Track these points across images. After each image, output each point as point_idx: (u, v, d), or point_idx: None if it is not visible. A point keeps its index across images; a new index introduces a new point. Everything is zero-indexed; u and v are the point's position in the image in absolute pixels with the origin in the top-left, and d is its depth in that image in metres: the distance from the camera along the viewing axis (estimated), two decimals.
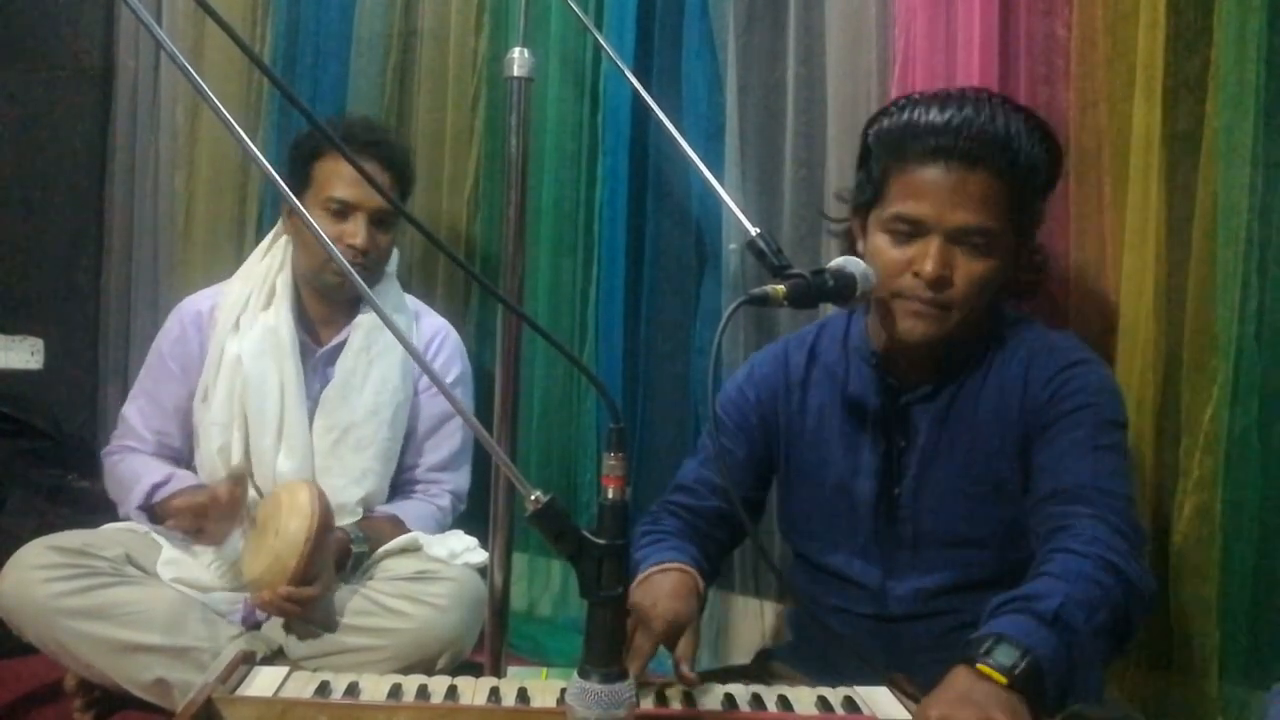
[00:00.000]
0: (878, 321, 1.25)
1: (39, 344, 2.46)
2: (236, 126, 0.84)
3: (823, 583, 1.31)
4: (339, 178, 1.70)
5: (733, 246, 1.83)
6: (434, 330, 1.89)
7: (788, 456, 1.33)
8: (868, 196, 1.22)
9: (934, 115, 1.15)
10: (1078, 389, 1.16)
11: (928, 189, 1.14)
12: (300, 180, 1.73)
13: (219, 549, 1.64)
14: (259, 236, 2.11)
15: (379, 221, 1.73)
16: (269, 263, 1.80)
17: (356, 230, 1.69)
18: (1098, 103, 1.46)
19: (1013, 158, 1.14)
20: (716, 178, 1.38)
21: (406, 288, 1.99)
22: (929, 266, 1.14)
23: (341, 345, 1.78)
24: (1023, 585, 1.00)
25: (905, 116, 1.18)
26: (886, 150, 1.19)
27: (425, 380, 1.82)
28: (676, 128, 1.39)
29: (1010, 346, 1.22)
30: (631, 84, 1.52)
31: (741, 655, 1.83)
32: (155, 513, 1.74)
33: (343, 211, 1.70)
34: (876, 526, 1.26)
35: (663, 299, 1.95)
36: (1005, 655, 0.89)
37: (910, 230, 1.16)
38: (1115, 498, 1.09)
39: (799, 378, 1.33)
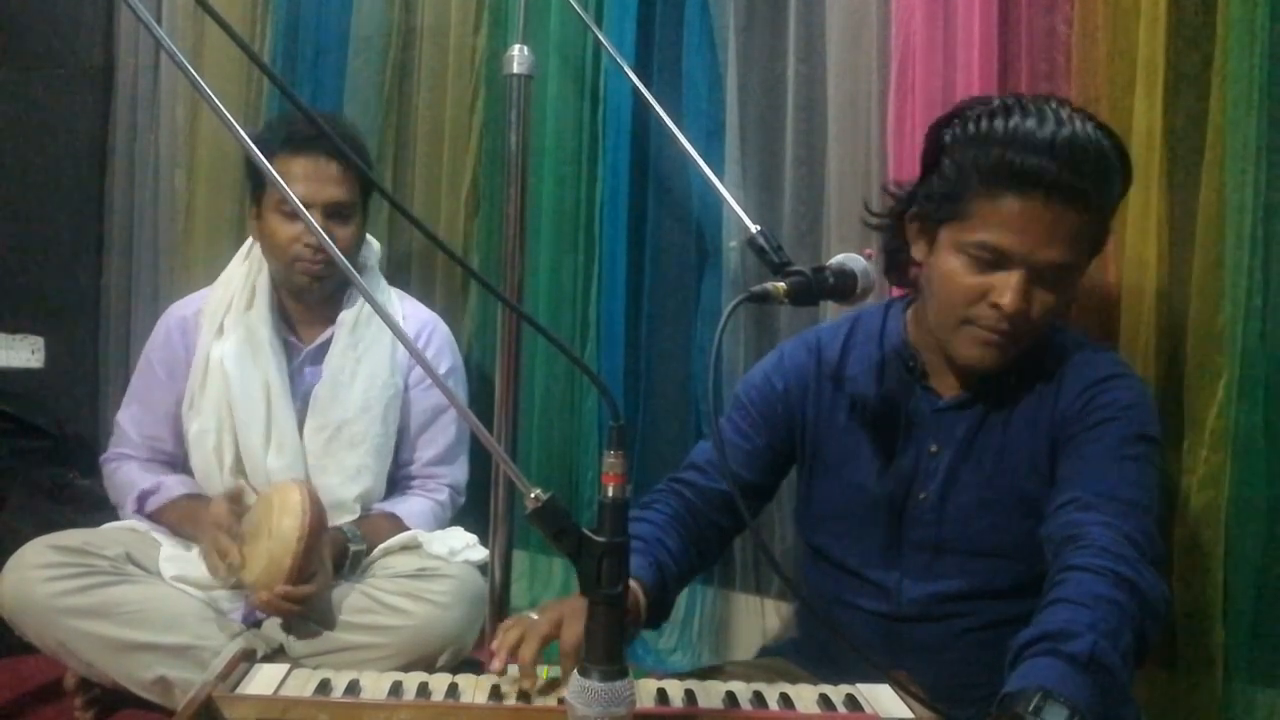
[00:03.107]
0: (919, 328, 1.23)
1: (39, 343, 2.46)
2: (236, 126, 0.84)
3: (835, 578, 1.30)
4: (289, 178, 1.67)
5: (733, 244, 1.83)
6: (421, 323, 1.87)
7: (813, 450, 1.31)
8: (944, 212, 1.14)
9: (1036, 141, 1.06)
10: (1107, 402, 1.14)
11: (1021, 223, 1.08)
12: (256, 184, 1.73)
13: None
14: None
15: (334, 215, 1.71)
16: (249, 265, 1.80)
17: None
18: (1099, 99, 1.46)
19: (1107, 192, 1.10)
20: (717, 175, 1.38)
21: (405, 286, 1.99)
22: (1010, 300, 1.09)
23: (326, 344, 1.77)
24: (1042, 612, 0.97)
25: (998, 130, 1.09)
26: (975, 167, 1.10)
27: (415, 374, 1.81)
28: (677, 125, 1.39)
29: (1048, 359, 1.19)
30: (632, 81, 1.52)
31: (742, 652, 1.83)
32: (150, 519, 1.75)
33: (296, 211, 1.68)
34: (898, 529, 1.24)
35: (663, 296, 1.95)
36: (1055, 716, 0.85)
37: (993, 259, 1.10)
38: (1131, 506, 1.06)
39: (831, 371, 1.29)
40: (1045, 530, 1.11)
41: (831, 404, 1.29)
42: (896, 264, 1.27)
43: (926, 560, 1.23)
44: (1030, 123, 1.08)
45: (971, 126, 1.12)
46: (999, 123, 1.09)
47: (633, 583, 1.08)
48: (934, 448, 1.23)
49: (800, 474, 1.35)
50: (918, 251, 1.20)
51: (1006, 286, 1.10)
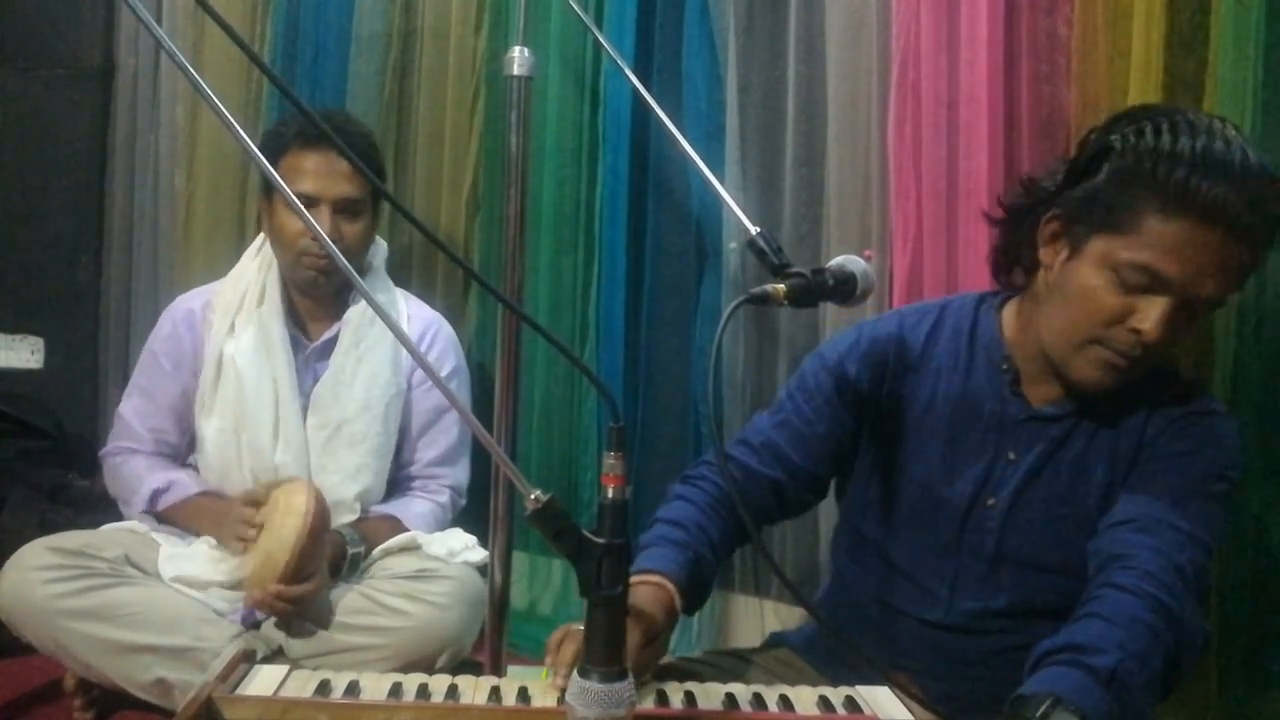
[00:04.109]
0: (1022, 332, 1.18)
1: (39, 343, 2.46)
2: (236, 126, 0.84)
3: (880, 574, 1.26)
4: (301, 172, 1.69)
5: (733, 245, 1.83)
6: (425, 324, 1.88)
7: (882, 439, 1.25)
8: (1099, 221, 1.06)
9: (1225, 169, 0.99)
10: (1196, 435, 1.12)
11: (1190, 251, 1.00)
12: (268, 180, 1.74)
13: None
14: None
15: (344, 212, 1.72)
16: (260, 262, 1.80)
17: (320, 223, 1.68)
18: (1099, 101, 1.46)
19: (1273, 232, 1.03)
20: (717, 176, 1.38)
21: (406, 286, 1.99)
22: (1154, 329, 1.03)
23: (332, 340, 1.78)
24: (1073, 624, 0.96)
25: (1184, 147, 1.00)
26: (1153, 184, 1.01)
27: (418, 375, 1.82)
28: (677, 126, 1.39)
29: (1141, 384, 1.13)
30: (632, 82, 1.52)
31: None
32: (160, 517, 1.76)
33: (306, 206, 1.68)
34: (959, 534, 1.20)
35: (663, 298, 1.95)
36: None
37: (1145, 283, 1.03)
38: (1188, 538, 1.04)
39: (913, 361, 1.23)
40: (1094, 544, 1.08)
41: (910, 395, 1.23)
42: (1011, 262, 1.20)
43: (983, 570, 1.19)
44: (1218, 147, 1.00)
45: (1151, 137, 1.03)
46: (1185, 140, 1.01)
47: (667, 581, 1.07)
48: (1012, 455, 1.18)
49: (862, 459, 1.29)
50: (1049, 255, 1.13)
51: (1152, 312, 1.03)
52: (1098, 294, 1.06)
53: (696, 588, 1.13)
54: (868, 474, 1.28)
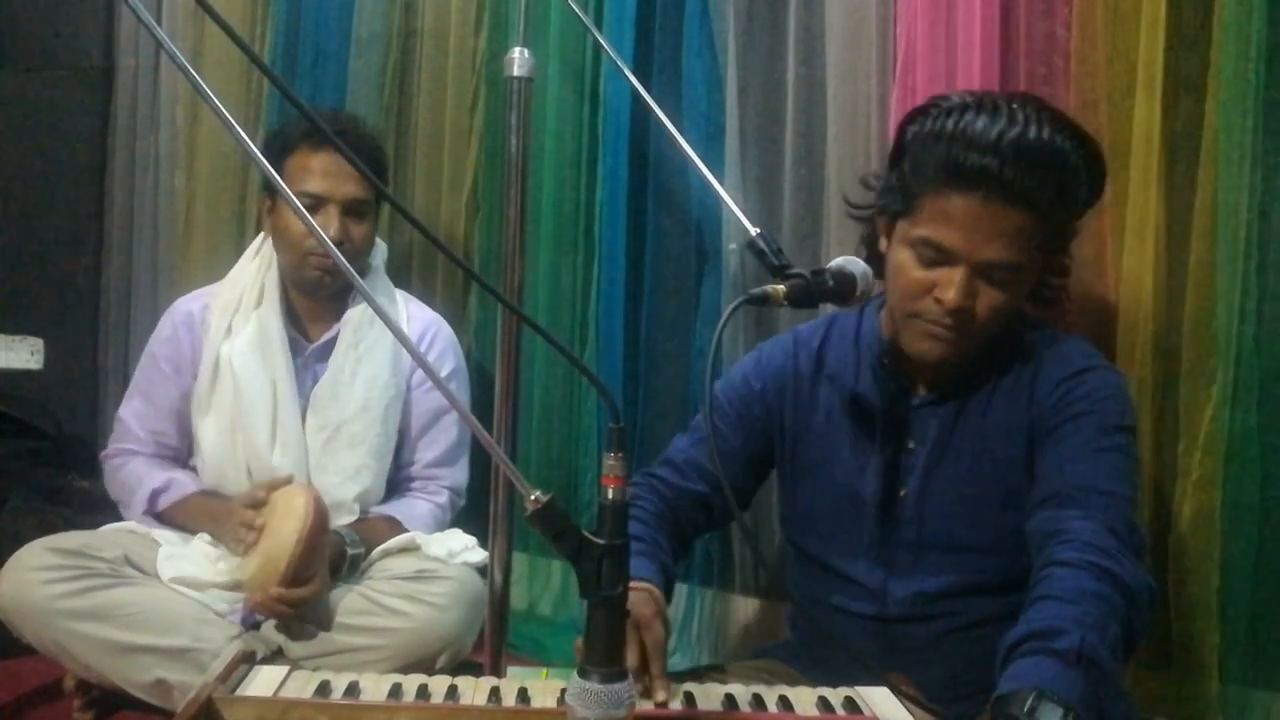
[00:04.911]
0: (891, 328, 1.24)
1: (39, 344, 2.46)
2: (236, 126, 0.84)
3: (823, 581, 1.30)
4: (308, 172, 1.70)
5: (733, 246, 1.83)
6: (425, 325, 1.88)
7: (792, 452, 1.32)
8: (896, 205, 1.17)
9: (982, 140, 1.07)
10: (1083, 395, 1.15)
11: (961, 219, 1.09)
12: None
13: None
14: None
15: (352, 212, 1.72)
16: (258, 263, 1.81)
17: (329, 223, 1.68)
18: (1097, 103, 1.46)
19: (1054, 193, 1.10)
20: (716, 177, 1.38)
21: (406, 286, 1.99)
22: (952, 296, 1.11)
23: (332, 341, 1.78)
24: (1028, 610, 0.98)
25: (948, 128, 1.10)
26: (924, 164, 1.12)
27: (418, 376, 1.82)
28: (676, 127, 1.39)
29: (1022, 353, 1.21)
30: (631, 84, 1.52)
31: (740, 654, 1.83)
32: (160, 517, 1.76)
33: (314, 205, 1.69)
34: (880, 528, 1.25)
35: (663, 299, 1.95)
36: (1050, 715, 0.85)
37: (937, 256, 1.12)
38: (1110, 497, 1.07)
39: (808, 371, 1.31)
40: (1028, 527, 1.12)
41: (810, 404, 1.31)
42: (873, 257, 1.27)
43: (911, 558, 1.24)
44: (982, 121, 1.09)
45: (930, 123, 1.13)
46: (952, 120, 1.11)
47: (651, 583, 1.12)
48: (911, 444, 1.24)
49: (782, 475, 1.35)
50: (882, 244, 1.22)
51: (949, 283, 1.12)
52: (905, 271, 1.15)
53: (668, 594, 1.18)
54: (790, 486, 1.34)
